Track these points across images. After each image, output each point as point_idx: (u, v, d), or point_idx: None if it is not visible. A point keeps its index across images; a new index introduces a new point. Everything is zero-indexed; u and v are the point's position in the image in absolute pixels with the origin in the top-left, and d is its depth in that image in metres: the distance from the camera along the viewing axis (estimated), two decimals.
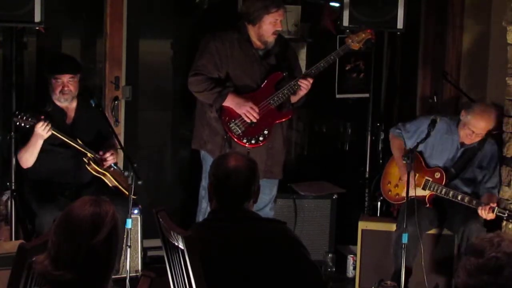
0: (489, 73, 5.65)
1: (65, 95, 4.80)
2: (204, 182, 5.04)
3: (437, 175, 4.85)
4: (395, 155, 5.09)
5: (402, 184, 4.92)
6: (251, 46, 4.94)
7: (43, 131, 4.59)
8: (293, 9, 5.77)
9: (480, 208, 4.65)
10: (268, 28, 4.86)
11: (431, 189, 4.81)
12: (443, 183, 4.83)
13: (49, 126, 4.60)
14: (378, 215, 5.33)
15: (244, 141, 4.86)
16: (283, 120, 5.02)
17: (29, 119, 4.57)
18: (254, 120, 4.84)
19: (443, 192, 4.78)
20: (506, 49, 4.97)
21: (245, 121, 4.85)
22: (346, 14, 5.28)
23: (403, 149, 4.99)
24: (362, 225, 5.13)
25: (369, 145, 5.48)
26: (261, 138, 4.91)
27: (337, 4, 5.69)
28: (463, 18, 5.87)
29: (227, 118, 4.85)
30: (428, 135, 4.68)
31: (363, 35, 4.98)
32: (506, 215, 4.61)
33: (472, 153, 4.90)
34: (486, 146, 4.90)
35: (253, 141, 4.89)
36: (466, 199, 4.72)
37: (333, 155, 6.26)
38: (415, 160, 4.81)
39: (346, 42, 4.99)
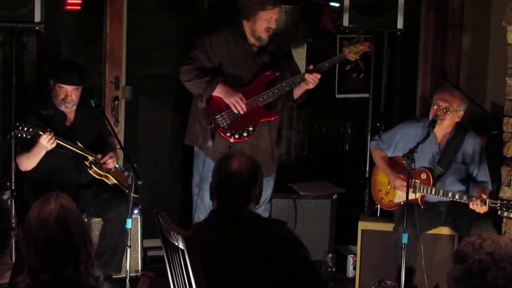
0: (489, 73, 5.65)
1: (67, 103, 4.82)
2: (197, 179, 5.04)
3: (423, 176, 4.83)
4: (379, 165, 5.11)
5: (394, 191, 4.99)
6: (246, 41, 4.94)
7: (47, 143, 4.57)
8: (293, 9, 5.77)
9: (471, 202, 4.60)
10: (262, 24, 4.86)
11: (421, 191, 4.79)
12: (431, 183, 4.82)
13: (54, 138, 4.58)
14: (378, 215, 5.32)
15: (228, 134, 4.87)
16: (268, 119, 4.99)
17: (30, 130, 4.56)
18: (242, 112, 4.84)
19: (433, 192, 4.76)
20: (506, 49, 4.97)
21: (231, 114, 4.84)
22: (346, 14, 5.29)
23: (386, 157, 5.05)
24: (362, 225, 5.13)
25: (369, 145, 5.47)
26: (245, 134, 4.89)
27: (337, 4, 5.69)
28: (463, 18, 5.87)
29: (214, 110, 4.85)
30: (428, 134, 4.68)
31: (361, 47, 5.00)
32: (498, 205, 4.53)
33: (453, 150, 4.88)
34: (468, 140, 4.87)
35: (236, 136, 4.89)
36: (457, 195, 4.69)
37: (333, 155, 6.26)
38: (401, 166, 4.82)
39: (343, 51, 5.01)
